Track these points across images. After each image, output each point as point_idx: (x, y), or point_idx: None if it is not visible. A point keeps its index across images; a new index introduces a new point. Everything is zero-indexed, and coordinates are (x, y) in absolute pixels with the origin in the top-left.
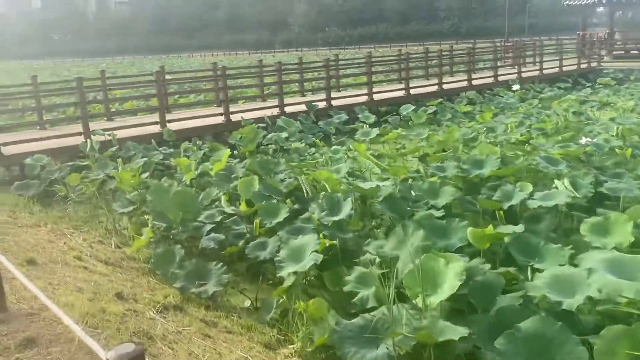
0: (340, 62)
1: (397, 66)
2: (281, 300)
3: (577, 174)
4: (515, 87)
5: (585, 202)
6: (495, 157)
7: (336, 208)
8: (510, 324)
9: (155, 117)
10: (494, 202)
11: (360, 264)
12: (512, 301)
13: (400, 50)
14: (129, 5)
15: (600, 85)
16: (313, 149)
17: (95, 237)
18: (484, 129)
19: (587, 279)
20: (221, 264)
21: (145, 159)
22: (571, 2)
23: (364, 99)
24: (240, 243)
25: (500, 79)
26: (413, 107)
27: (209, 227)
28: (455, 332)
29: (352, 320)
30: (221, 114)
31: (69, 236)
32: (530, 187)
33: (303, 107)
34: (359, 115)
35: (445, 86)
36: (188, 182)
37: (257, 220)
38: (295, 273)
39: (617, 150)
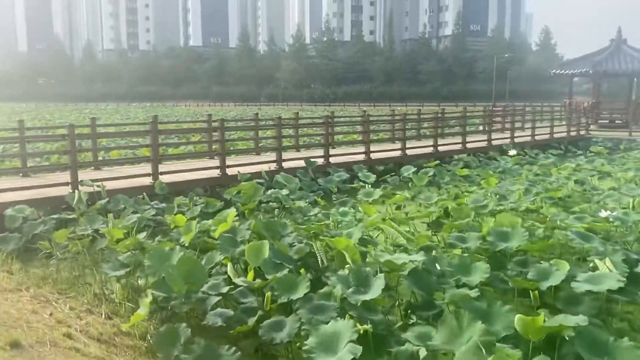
0: (336, 120)
1: (391, 126)
2: None
3: (608, 250)
4: (512, 152)
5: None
6: (522, 230)
7: (364, 284)
8: None
9: (144, 168)
10: (531, 282)
11: (399, 357)
12: None
13: (394, 110)
14: (115, 52)
15: (592, 153)
16: (317, 209)
17: (83, 304)
18: (496, 195)
19: None
20: (234, 348)
21: (137, 214)
22: (558, 71)
23: (362, 157)
24: (251, 321)
25: (493, 142)
26: (414, 169)
27: (214, 299)
28: None
29: None
30: (216, 167)
31: (54, 304)
32: (566, 266)
33: (300, 163)
34: (359, 174)
35: (440, 148)
36: (187, 244)
37: (268, 294)
38: None
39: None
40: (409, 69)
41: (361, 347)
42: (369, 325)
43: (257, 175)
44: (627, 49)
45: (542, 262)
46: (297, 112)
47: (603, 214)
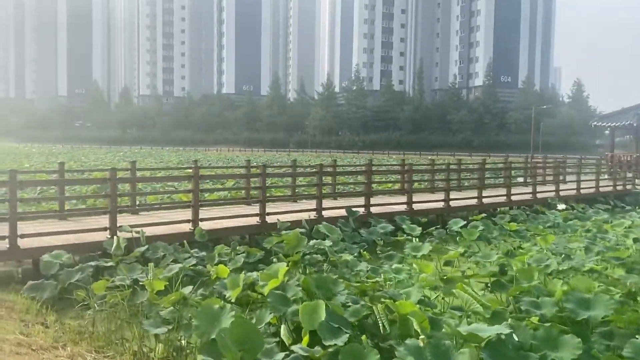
0: (375, 168)
1: (431, 175)
2: None
3: None
4: (561, 206)
5: None
6: (607, 298)
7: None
8: None
9: (181, 213)
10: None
11: None
12: None
13: (433, 160)
14: (151, 98)
15: None
16: (364, 263)
17: None
18: (561, 256)
19: None
20: None
21: (179, 264)
22: (599, 123)
23: (403, 207)
24: None
25: (538, 196)
26: (463, 222)
27: None
28: None
29: None
30: (256, 214)
31: None
32: None
33: (339, 212)
34: (403, 226)
35: (484, 200)
36: (233, 299)
37: None
38: None
39: None
40: (439, 118)
41: None
42: None
43: (296, 224)
44: None
45: (630, 333)
46: (335, 160)
47: None
